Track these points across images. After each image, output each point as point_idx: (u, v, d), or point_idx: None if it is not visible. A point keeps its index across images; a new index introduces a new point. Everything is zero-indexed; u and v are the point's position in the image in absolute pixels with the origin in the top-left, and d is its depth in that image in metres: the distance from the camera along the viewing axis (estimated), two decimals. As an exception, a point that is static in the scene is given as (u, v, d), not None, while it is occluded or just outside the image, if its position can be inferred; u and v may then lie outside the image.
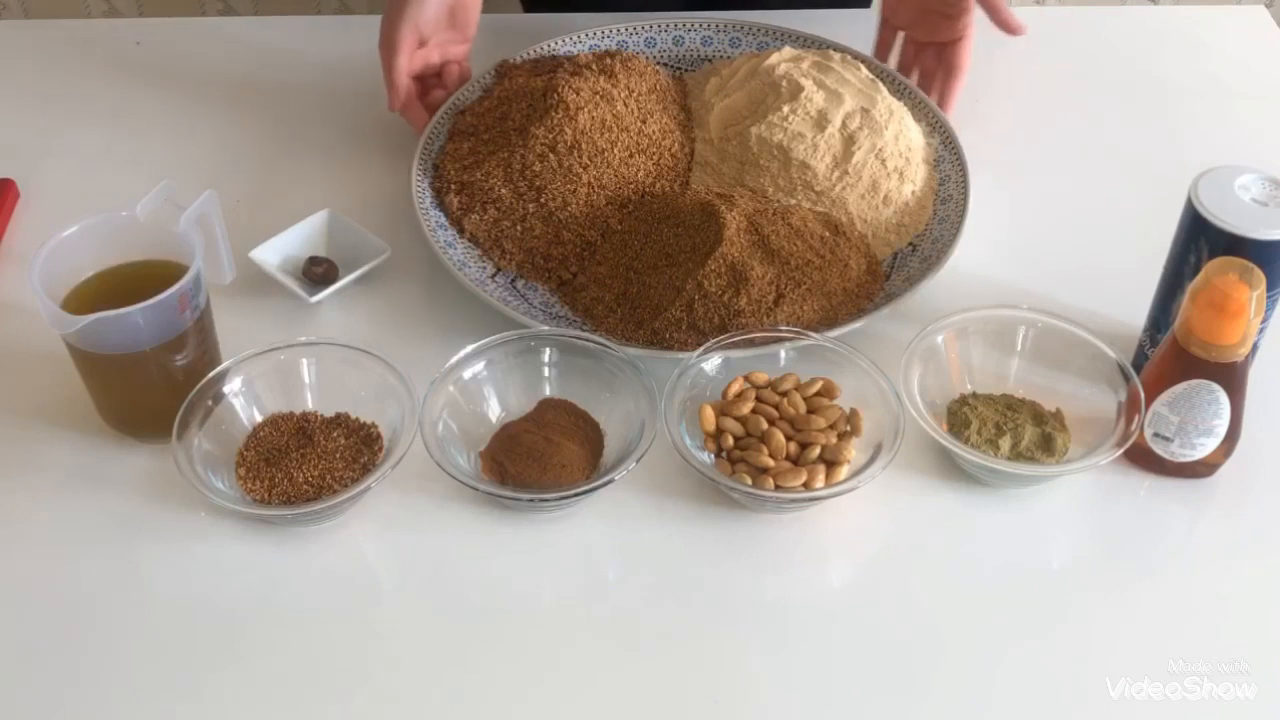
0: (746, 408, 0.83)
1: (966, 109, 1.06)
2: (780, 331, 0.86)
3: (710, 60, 1.11)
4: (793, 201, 0.96)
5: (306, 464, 0.80)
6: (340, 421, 0.83)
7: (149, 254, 0.82)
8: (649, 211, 0.95)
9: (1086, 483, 0.83)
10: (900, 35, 1.12)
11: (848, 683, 0.73)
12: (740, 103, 1.01)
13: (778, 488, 0.79)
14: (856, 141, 0.97)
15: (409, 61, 1.00)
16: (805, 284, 0.89)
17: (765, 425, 0.82)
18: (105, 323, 0.76)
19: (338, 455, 0.80)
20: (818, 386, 0.84)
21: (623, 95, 1.00)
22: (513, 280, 0.94)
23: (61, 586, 0.77)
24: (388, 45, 0.99)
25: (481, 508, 0.81)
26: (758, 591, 0.78)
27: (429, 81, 1.05)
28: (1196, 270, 0.79)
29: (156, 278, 0.78)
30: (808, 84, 0.99)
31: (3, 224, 0.99)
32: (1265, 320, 0.83)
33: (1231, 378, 0.78)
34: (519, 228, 0.94)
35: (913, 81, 1.10)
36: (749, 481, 0.79)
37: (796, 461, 0.81)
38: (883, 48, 1.13)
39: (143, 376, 0.81)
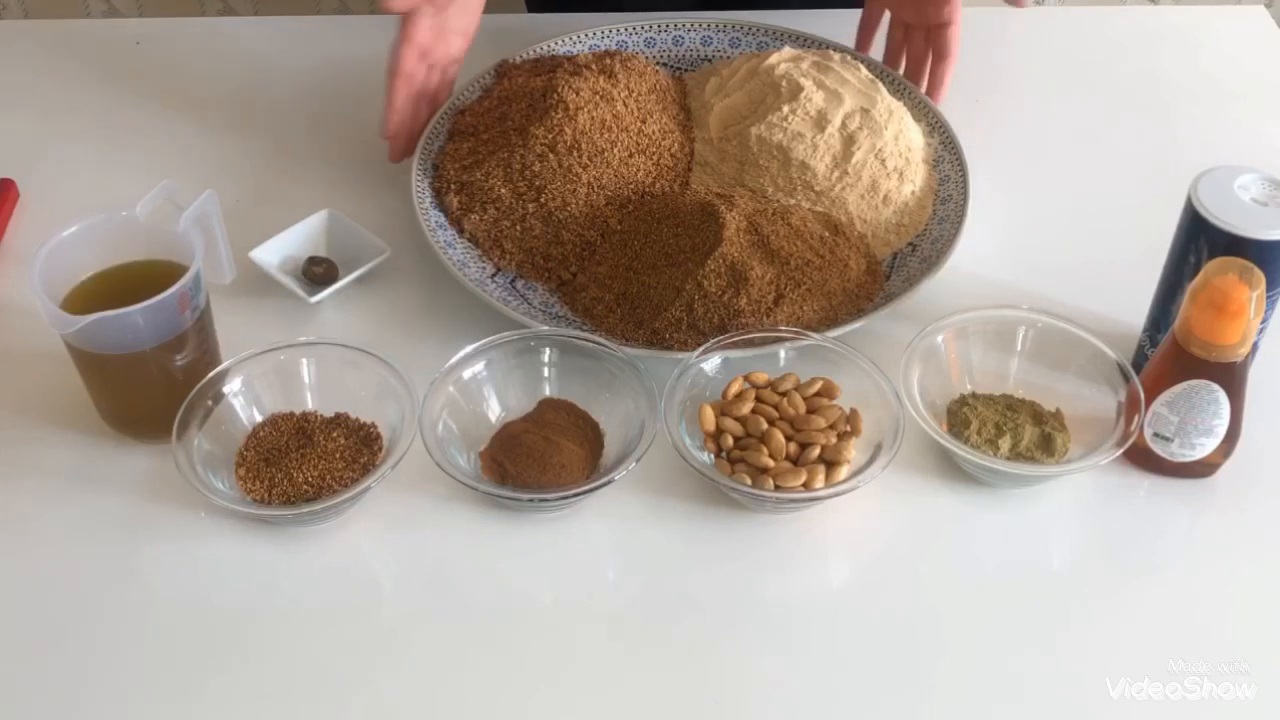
0: (746, 408, 0.83)
1: (967, 109, 1.06)
2: (780, 331, 0.86)
3: (710, 60, 1.11)
4: (792, 201, 0.96)
5: (306, 464, 0.80)
6: (340, 421, 0.83)
7: (149, 254, 0.82)
8: (649, 211, 0.95)
9: (1086, 483, 0.83)
10: (887, 17, 1.10)
11: (848, 682, 0.73)
12: (740, 103, 1.01)
13: (778, 488, 0.79)
14: (856, 141, 0.97)
15: (408, 86, 0.99)
16: (805, 284, 0.89)
17: (765, 425, 0.82)
18: (105, 323, 0.76)
19: (338, 455, 0.80)
20: (817, 386, 0.84)
21: (622, 95, 1.00)
22: (512, 280, 0.94)
23: (62, 587, 0.77)
24: (390, 71, 0.98)
25: (481, 508, 0.81)
26: (758, 591, 0.78)
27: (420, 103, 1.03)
28: (1196, 270, 0.79)
29: (156, 278, 0.78)
30: (807, 84, 0.99)
31: (3, 224, 0.99)
32: (1265, 320, 0.83)
33: (1231, 378, 0.78)
34: (519, 228, 0.94)
35: (901, 67, 1.09)
36: (749, 481, 0.79)
37: (796, 461, 0.81)
38: (867, 27, 1.11)
39: (143, 376, 0.81)
